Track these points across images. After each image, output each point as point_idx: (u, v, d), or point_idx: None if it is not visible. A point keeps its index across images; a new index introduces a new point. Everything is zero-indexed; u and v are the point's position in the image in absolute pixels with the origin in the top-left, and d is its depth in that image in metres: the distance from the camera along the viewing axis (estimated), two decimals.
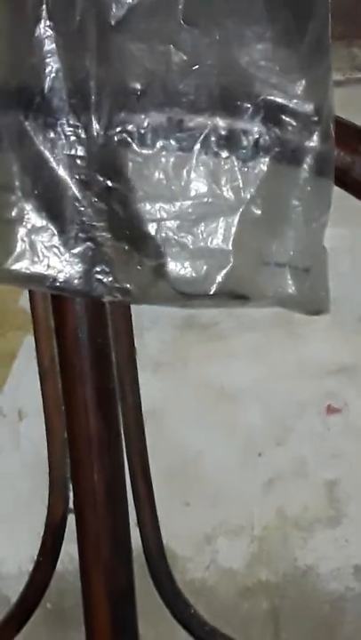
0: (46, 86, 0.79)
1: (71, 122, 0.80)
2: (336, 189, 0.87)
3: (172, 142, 0.82)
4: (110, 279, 0.84)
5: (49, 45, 0.79)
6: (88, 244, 0.83)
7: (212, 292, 0.84)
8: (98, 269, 0.84)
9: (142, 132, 0.82)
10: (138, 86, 0.81)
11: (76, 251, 0.83)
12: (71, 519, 1.10)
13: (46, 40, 0.79)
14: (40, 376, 1.12)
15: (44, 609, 1.23)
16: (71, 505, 1.10)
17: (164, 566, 1.18)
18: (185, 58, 0.80)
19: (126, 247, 0.83)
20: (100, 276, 0.84)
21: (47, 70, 0.79)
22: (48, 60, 0.79)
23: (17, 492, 1.48)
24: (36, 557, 1.20)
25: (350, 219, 1.11)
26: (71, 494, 1.08)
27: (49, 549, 1.18)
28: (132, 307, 1.11)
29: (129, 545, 1.09)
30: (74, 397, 1.01)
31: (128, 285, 0.84)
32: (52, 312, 1.02)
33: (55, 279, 0.84)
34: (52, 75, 0.79)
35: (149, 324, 1.38)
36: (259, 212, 0.84)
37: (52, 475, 1.15)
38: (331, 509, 1.61)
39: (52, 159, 0.82)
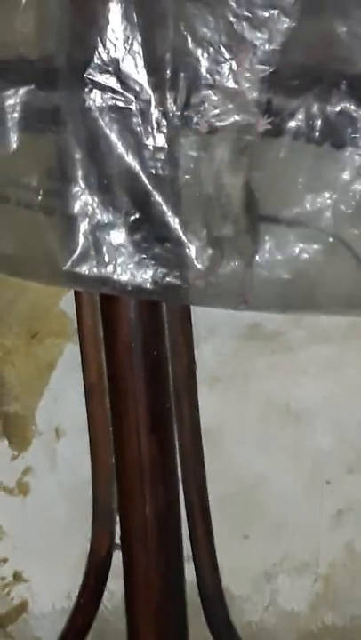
0: (121, 56, 0.74)
1: (145, 98, 0.75)
2: None
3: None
4: (187, 282, 0.80)
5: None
6: (164, 244, 0.79)
7: None
8: (174, 273, 0.80)
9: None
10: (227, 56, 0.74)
11: (149, 252, 0.79)
12: (116, 556, 1.08)
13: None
14: (85, 391, 1.08)
15: None
16: (117, 540, 1.08)
17: (223, 611, 1.14)
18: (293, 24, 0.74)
19: (210, 251, 0.79)
20: (176, 280, 0.80)
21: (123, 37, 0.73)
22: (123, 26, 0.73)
23: (52, 519, 1.44)
24: (74, 597, 1.16)
25: None
26: (118, 528, 1.07)
27: (91, 590, 1.14)
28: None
29: (182, 587, 1.07)
30: (124, 417, 0.99)
31: (207, 289, 0.80)
32: (101, 318, 0.99)
33: (126, 283, 0.80)
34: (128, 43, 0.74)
35: (207, 334, 1.34)
36: None
37: (97, 505, 1.10)
38: None
39: (120, 145, 0.76)
